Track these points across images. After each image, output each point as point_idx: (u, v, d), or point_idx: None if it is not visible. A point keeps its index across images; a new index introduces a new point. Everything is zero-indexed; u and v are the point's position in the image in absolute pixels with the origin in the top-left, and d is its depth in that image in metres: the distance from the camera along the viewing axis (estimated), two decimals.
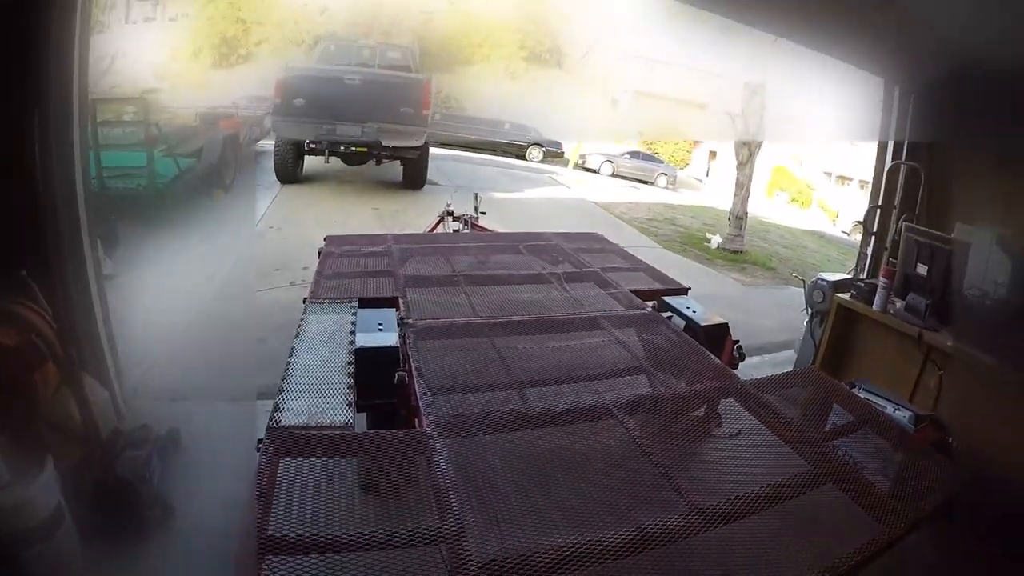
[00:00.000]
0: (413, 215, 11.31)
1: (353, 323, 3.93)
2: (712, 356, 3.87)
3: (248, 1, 20.67)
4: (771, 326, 8.52)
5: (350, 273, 5.29)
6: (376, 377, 3.44)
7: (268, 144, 13.51)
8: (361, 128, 11.56)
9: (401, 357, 3.59)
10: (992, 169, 5.11)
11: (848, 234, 20.43)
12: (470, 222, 7.85)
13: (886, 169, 6.44)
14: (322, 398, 3.06)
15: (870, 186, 6.97)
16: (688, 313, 4.67)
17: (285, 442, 2.69)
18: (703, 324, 4.49)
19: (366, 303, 4.37)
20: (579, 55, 24.51)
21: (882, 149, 6.64)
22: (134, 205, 9.08)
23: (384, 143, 11.66)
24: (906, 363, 4.89)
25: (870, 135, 6.83)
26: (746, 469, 2.84)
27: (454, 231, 7.71)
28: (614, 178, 22.34)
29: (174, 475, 4.52)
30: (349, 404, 3.02)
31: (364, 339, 3.61)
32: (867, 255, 6.69)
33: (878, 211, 6.59)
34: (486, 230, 7.75)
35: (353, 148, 11.63)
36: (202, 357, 6.32)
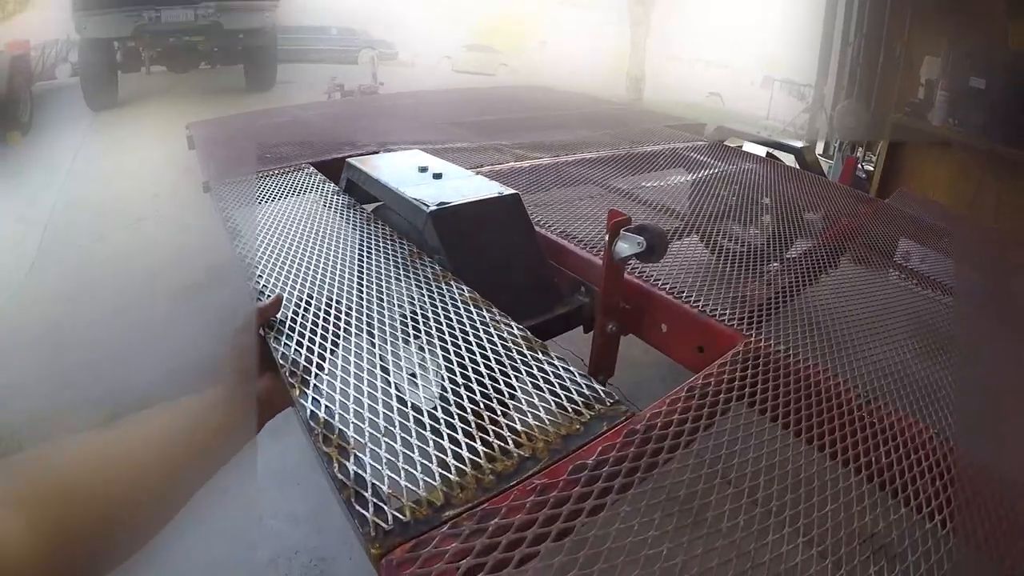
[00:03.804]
0: None
1: (340, 194, 1.94)
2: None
3: None
4: None
5: (261, 147, 3.01)
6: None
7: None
8: (194, 11, 8.30)
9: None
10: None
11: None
12: (371, 94, 5.54)
13: None
14: None
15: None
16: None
17: None
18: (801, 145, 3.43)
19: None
20: None
21: None
22: None
23: (226, 26, 8.53)
24: (963, 179, 4.39)
25: None
26: None
27: None
28: (456, 73, 19.86)
29: None
30: None
31: (436, 193, 1.57)
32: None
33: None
34: None
35: (186, 39, 8.41)
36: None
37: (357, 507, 0.75)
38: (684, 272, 1.51)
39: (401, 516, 0.74)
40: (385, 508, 0.75)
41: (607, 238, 1.30)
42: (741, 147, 3.55)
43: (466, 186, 1.61)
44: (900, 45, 5.55)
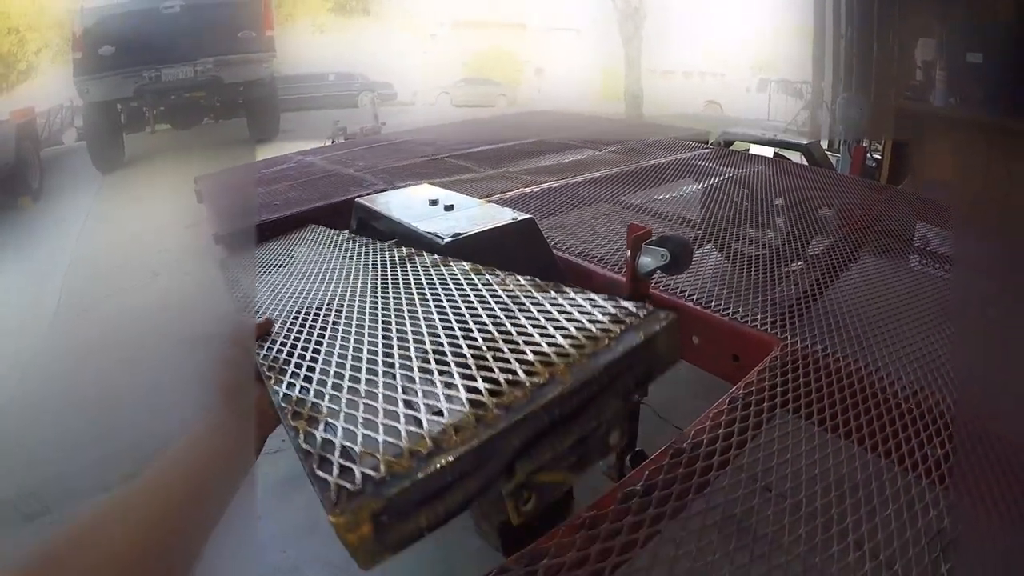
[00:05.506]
0: None
1: (352, 236, 1.73)
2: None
3: (16, 5, 16.04)
4: None
5: (269, 194, 2.99)
6: None
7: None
8: (193, 67, 8.48)
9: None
10: None
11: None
12: (373, 135, 5.56)
13: None
14: None
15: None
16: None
17: None
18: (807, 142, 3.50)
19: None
20: None
21: None
22: None
23: (226, 80, 8.67)
24: (971, 156, 4.26)
25: None
26: None
27: None
28: (455, 108, 20.04)
29: None
30: None
31: (451, 225, 1.52)
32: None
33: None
34: None
35: (187, 95, 8.56)
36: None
37: (320, 473, 0.61)
38: (709, 281, 1.48)
39: (373, 473, 0.59)
40: (354, 468, 0.60)
41: (629, 254, 1.28)
42: (747, 150, 3.53)
43: (479, 215, 1.59)
44: (892, 30, 5.56)
